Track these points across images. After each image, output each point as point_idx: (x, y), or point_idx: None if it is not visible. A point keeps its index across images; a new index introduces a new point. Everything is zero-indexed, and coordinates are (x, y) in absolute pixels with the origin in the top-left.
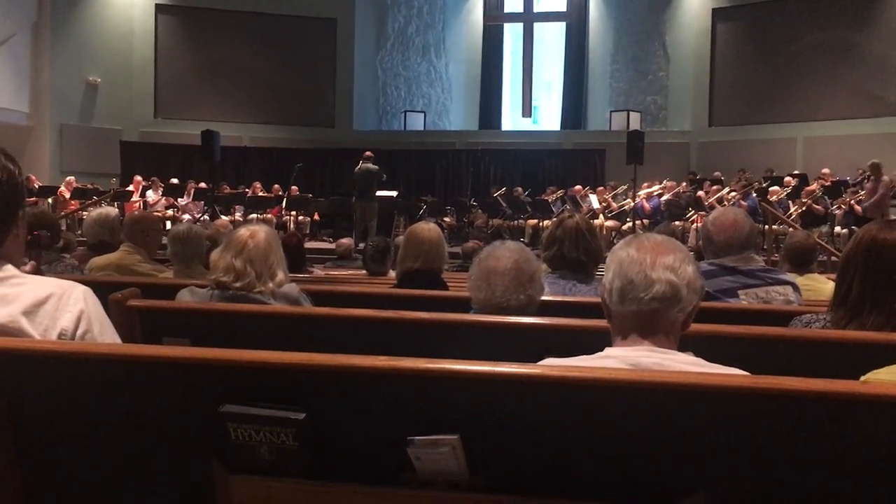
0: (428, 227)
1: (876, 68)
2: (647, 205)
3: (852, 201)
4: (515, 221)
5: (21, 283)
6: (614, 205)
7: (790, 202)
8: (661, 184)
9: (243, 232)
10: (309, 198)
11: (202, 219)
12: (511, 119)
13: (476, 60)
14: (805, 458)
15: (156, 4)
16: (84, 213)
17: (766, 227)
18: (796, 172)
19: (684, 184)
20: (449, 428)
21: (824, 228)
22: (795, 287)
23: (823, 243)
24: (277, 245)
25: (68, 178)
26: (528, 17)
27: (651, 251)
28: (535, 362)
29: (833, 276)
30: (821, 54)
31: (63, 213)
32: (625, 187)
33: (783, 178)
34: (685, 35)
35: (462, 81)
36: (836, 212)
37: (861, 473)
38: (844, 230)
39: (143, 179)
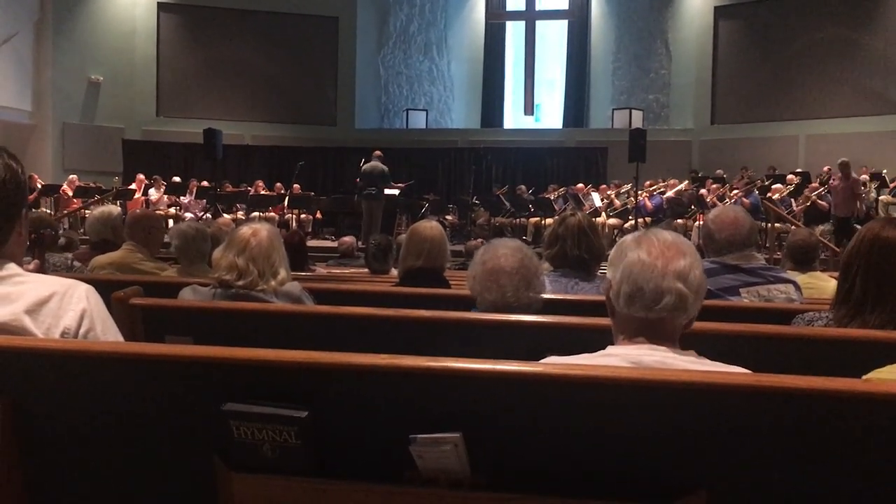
0: (430, 226)
1: (878, 66)
2: (649, 203)
3: (815, 197)
4: (518, 219)
5: (24, 281)
6: (617, 202)
7: (792, 200)
8: (664, 181)
9: (245, 230)
10: (311, 196)
11: (204, 217)
12: (513, 117)
13: (478, 58)
14: (807, 457)
15: (158, 3)
16: (86, 211)
17: (769, 225)
18: (798, 170)
19: (686, 182)
20: (451, 426)
21: (826, 226)
22: (797, 285)
23: (826, 241)
24: (279, 243)
25: (71, 176)
26: (530, 15)
27: (662, 256)
28: (537, 360)
29: (835, 273)
30: (823, 52)
31: (65, 212)
32: (628, 186)
33: (785, 176)
34: (687, 33)
35: (464, 79)
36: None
37: (863, 472)
38: None
39: (146, 178)
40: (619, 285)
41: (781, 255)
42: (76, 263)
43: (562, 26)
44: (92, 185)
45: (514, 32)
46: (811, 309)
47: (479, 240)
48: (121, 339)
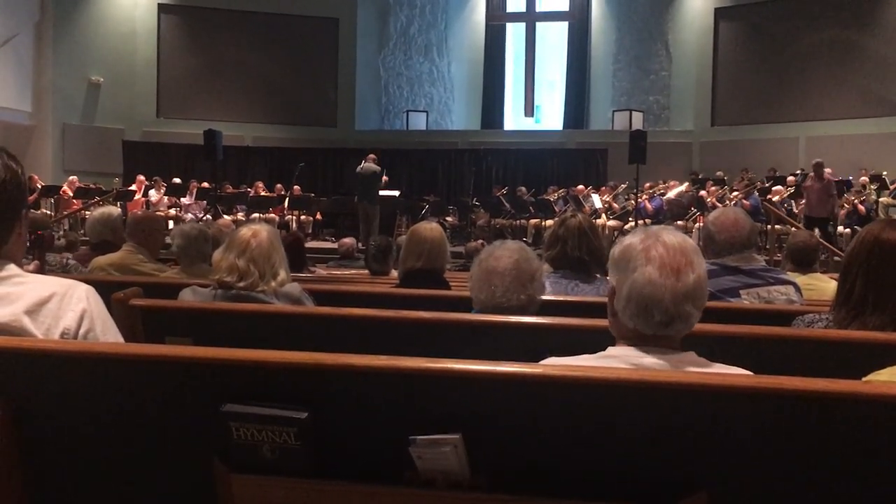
0: (430, 227)
1: (879, 68)
2: (649, 205)
3: (792, 201)
4: (518, 221)
5: (23, 282)
6: (616, 205)
7: (793, 202)
8: (664, 183)
9: (245, 231)
10: (311, 197)
11: (204, 218)
12: (513, 119)
13: (478, 60)
14: (807, 458)
15: (158, 4)
16: (87, 212)
17: (769, 227)
18: (799, 172)
19: (686, 184)
20: (450, 427)
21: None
22: (797, 287)
23: (826, 243)
24: (279, 244)
25: (71, 177)
26: (531, 17)
27: (672, 273)
28: (537, 362)
29: (835, 275)
30: (823, 54)
31: (66, 213)
32: (624, 186)
33: (786, 178)
34: (688, 34)
35: (464, 81)
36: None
37: (863, 473)
38: (847, 230)
39: (146, 179)
40: (626, 301)
41: (782, 256)
42: (71, 262)
43: (562, 28)
44: (92, 186)
45: (515, 34)
46: (811, 311)
47: (480, 241)
48: (121, 339)
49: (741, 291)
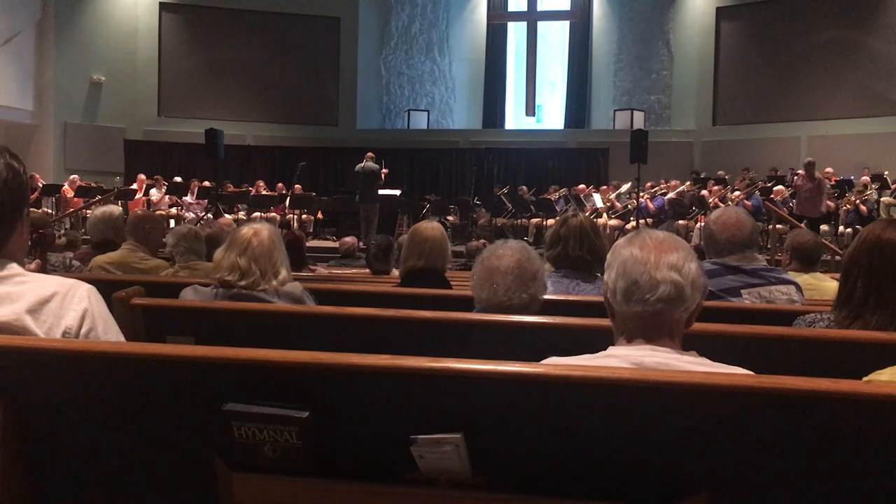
0: (431, 226)
1: (880, 68)
2: (650, 204)
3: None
4: (519, 220)
5: (25, 281)
6: (618, 204)
7: (793, 202)
8: (665, 183)
9: (246, 230)
10: (312, 196)
11: (205, 217)
12: (514, 118)
13: (480, 59)
14: (808, 457)
15: (160, 3)
16: (88, 211)
17: (770, 226)
18: (800, 172)
19: (688, 183)
20: (452, 427)
21: (827, 227)
22: (798, 287)
23: (827, 242)
24: (280, 243)
25: (72, 176)
26: (532, 16)
27: (655, 250)
28: (539, 361)
29: (837, 275)
30: (825, 54)
31: (67, 212)
32: (627, 186)
33: (785, 178)
34: (689, 34)
35: (466, 80)
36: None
37: (864, 473)
38: (849, 229)
39: (147, 178)
40: (615, 282)
41: (782, 256)
42: (75, 263)
43: (563, 27)
44: (93, 185)
45: (516, 33)
46: (812, 310)
47: (481, 240)
48: (122, 339)
49: (742, 291)
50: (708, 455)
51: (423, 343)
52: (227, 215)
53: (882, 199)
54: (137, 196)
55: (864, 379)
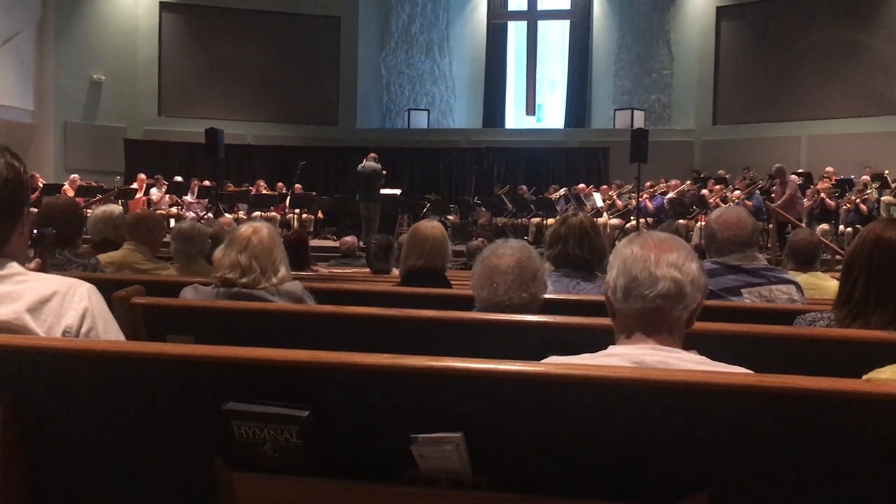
0: (431, 225)
1: (881, 67)
2: (650, 204)
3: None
4: (519, 220)
5: (25, 280)
6: (619, 203)
7: None
8: (665, 182)
9: (245, 229)
10: (312, 196)
11: (206, 217)
12: (515, 117)
13: (480, 59)
14: (809, 456)
15: (160, 2)
16: (88, 210)
17: (770, 226)
18: (801, 171)
19: (688, 182)
20: (452, 426)
21: (828, 227)
22: (798, 286)
23: (827, 241)
24: (279, 241)
25: (72, 175)
26: (532, 16)
27: (655, 249)
28: (539, 360)
29: (837, 274)
30: (825, 53)
31: None
32: (629, 186)
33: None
34: (689, 33)
35: (466, 80)
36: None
37: (865, 471)
38: (849, 228)
39: (147, 177)
40: (615, 280)
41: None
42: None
43: (563, 26)
44: (94, 184)
45: (516, 32)
46: (813, 309)
47: (481, 240)
48: (122, 338)
49: (743, 290)
50: (708, 454)
51: (423, 342)
52: (227, 215)
53: (882, 198)
54: (138, 196)
55: (864, 377)
